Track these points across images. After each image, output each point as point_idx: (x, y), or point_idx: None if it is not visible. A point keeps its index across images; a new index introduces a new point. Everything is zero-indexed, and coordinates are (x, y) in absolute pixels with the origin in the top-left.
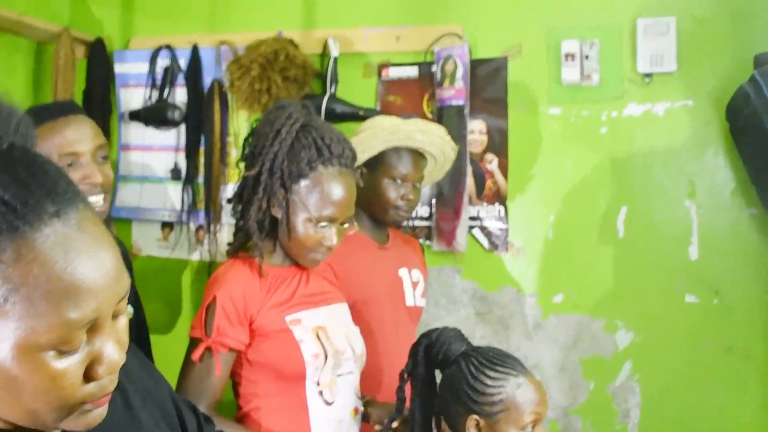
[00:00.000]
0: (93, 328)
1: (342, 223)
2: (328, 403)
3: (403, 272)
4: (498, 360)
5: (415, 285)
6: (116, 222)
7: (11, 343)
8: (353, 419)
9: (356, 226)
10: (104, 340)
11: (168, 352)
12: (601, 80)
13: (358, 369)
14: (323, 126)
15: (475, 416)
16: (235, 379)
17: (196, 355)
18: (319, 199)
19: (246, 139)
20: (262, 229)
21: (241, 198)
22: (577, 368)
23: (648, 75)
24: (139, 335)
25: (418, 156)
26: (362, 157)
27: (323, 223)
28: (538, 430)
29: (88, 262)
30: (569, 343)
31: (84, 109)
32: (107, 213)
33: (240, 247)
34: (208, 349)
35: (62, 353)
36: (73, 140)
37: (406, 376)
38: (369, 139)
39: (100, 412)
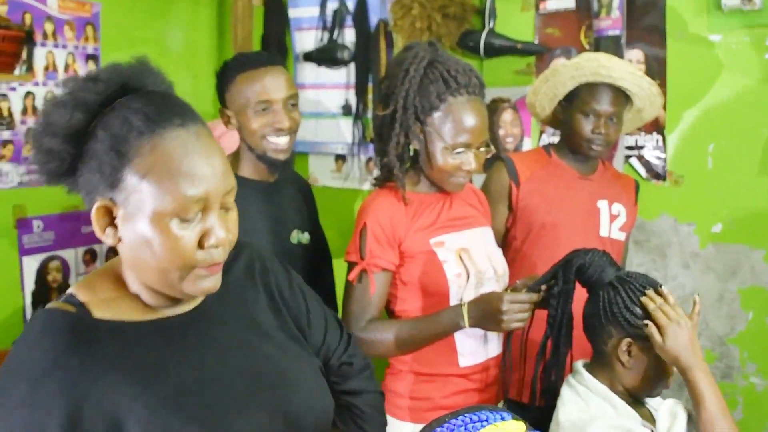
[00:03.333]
0: (205, 208)
1: (478, 147)
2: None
3: (602, 203)
4: (655, 287)
5: (613, 218)
6: (295, 155)
7: (149, 211)
8: (497, 335)
9: (492, 149)
10: (213, 220)
11: (344, 274)
12: (764, 3)
13: (500, 288)
14: (449, 59)
15: (629, 339)
16: (388, 298)
17: (352, 276)
18: (453, 127)
19: (380, 82)
20: (403, 162)
21: (381, 136)
22: (735, 298)
23: None
24: (320, 259)
25: (613, 91)
26: (559, 92)
27: (459, 150)
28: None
29: (201, 158)
30: (728, 272)
31: (279, 57)
32: (291, 152)
33: (385, 179)
34: (364, 270)
35: (183, 221)
36: (269, 89)
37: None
38: (559, 75)
39: (213, 281)
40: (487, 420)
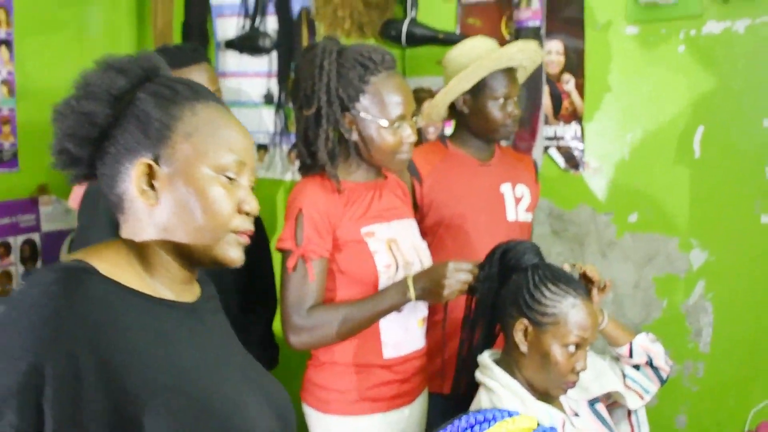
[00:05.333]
0: (240, 173)
1: (410, 118)
2: (398, 310)
3: (505, 187)
4: (564, 279)
5: (518, 200)
6: None
7: (197, 167)
8: (420, 327)
9: (421, 120)
10: (247, 190)
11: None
12: None
13: None
14: (355, 46)
15: (525, 321)
16: None
17: (290, 264)
18: (385, 104)
19: (292, 88)
20: (334, 158)
21: (307, 137)
22: (650, 286)
23: None
24: (257, 250)
25: (512, 71)
26: (466, 85)
27: (396, 124)
28: (579, 354)
29: (239, 128)
30: (643, 261)
31: (203, 51)
32: None
33: (312, 170)
34: (301, 257)
35: (226, 180)
36: None
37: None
38: (475, 70)
39: (239, 252)
40: (494, 418)
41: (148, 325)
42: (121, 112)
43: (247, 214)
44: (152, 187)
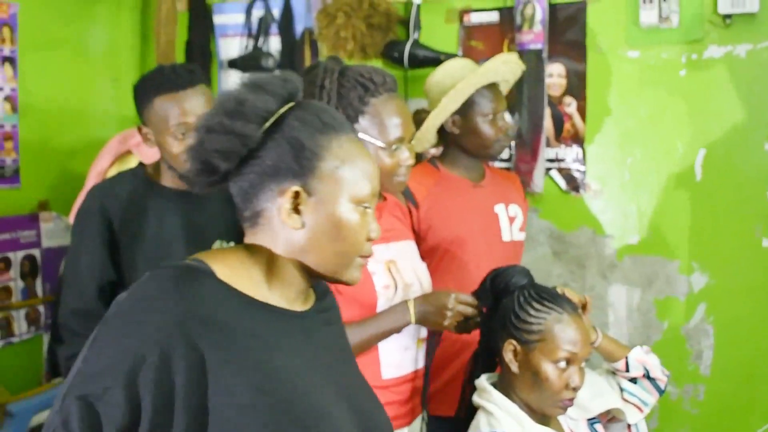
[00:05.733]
0: (372, 202)
1: (409, 141)
2: (397, 332)
3: (499, 208)
4: (548, 297)
5: (512, 220)
6: None
7: (347, 196)
8: (419, 348)
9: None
10: (374, 217)
11: None
12: (680, 22)
13: None
14: (356, 66)
15: (513, 341)
16: None
17: None
18: (383, 126)
19: None
20: None
21: None
22: (651, 308)
23: (729, 16)
24: None
25: (496, 86)
26: (454, 105)
27: (394, 146)
28: (571, 371)
29: (369, 156)
30: (644, 283)
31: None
32: None
33: None
34: None
35: (365, 209)
36: (188, 112)
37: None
38: (463, 88)
39: (360, 273)
40: None
41: (250, 328)
42: (269, 134)
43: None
44: (297, 211)
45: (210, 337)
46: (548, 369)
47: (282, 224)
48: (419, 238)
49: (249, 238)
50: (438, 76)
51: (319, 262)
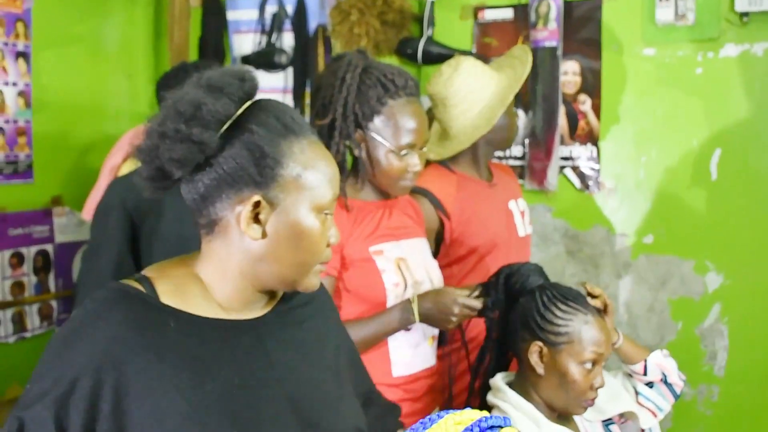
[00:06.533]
0: (332, 208)
1: (421, 148)
2: (407, 329)
3: (512, 205)
4: (571, 297)
5: (522, 214)
6: None
7: (308, 204)
8: (430, 346)
9: (432, 153)
10: (332, 221)
11: None
12: (696, 20)
13: None
14: (382, 65)
15: (540, 343)
16: None
17: None
18: (396, 129)
19: (313, 94)
20: (343, 172)
21: None
22: (665, 308)
23: (746, 14)
24: None
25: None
26: (499, 112)
27: (404, 152)
28: (596, 370)
29: (331, 159)
30: (658, 283)
31: (213, 64)
32: None
33: None
34: None
35: (325, 217)
36: None
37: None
38: (506, 96)
39: (318, 280)
40: (439, 416)
41: (183, 350)
42: (227, 139)
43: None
44: (257, 221)
45: (137, 363)
46: (575, 370)
47: (240, 233)
48: (446, 248)
49: (204, 246)
50: (464, 88)
51: (278, 272)
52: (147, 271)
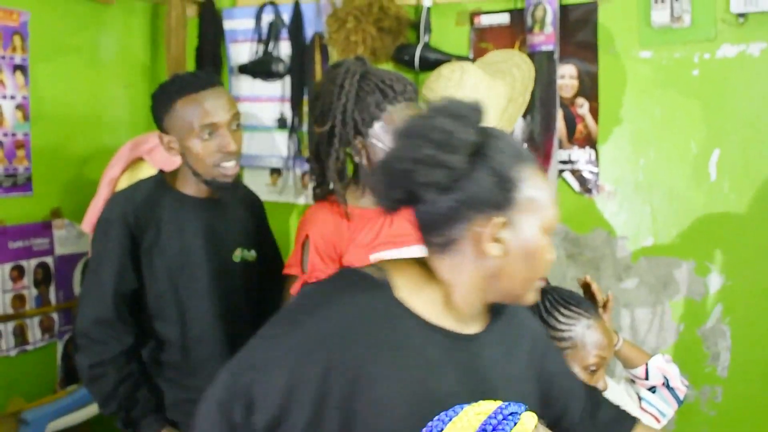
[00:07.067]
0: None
1: None
2: None
3: None
4: (573, 301)
5: None
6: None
7: (539, 224)
8: None
9: None
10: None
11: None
12: (692, 21)
13: None
14: (380, 71)
15: None
16: None
17: (294, 289)
18: None
19: (312, 101)
20: (343, 178)
21: (319, 154)
22: (667, 310)
23: (742, 15)
24: (269, 276)
25: None
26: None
27: None
28: (599, 374)
29: (549, 185)
30: (659, 285)
31: (216, 75)
32: (237, 174)
33: (326, 193)
34: (305, 283)
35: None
36: (212, 112)
37: None
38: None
39: (536, 295)
40: (455, 411)
41: (415, 347)
42: (472, 164)
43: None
44: (496, 240)
45: (372, 351)
46: (580, 375)
47: (475, 252)
48: None
49: (434, 262)
50: (470, 87)
51: (508, 288)
52: (384, 264)
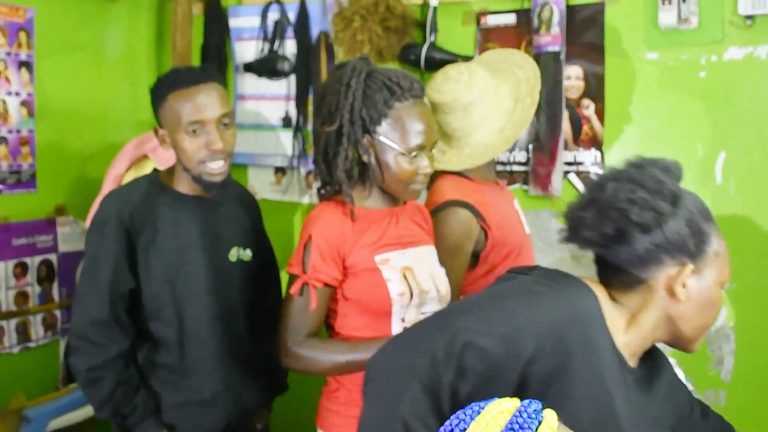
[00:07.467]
0: None
1: (430, 149)
2: None
3: (516, 203)
4: None
5: (519, 213)
6: (233, 167)
7: (720, 278)
8: None
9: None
10: None
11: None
12: (700, 23)
13: (442, 307)
14: (385, 69)
15: None
16: (328, 313)
17: (294, 289)
18: (405, 132)
19: (318, 101)
20: (351, 178)
21: (327, 154)
22: None
23: (750, 17)
24: (265, 275)
25: None
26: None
27: (414, 153)
28: None
29: None
30: None
31: (216, 72)
32: (227, 174)
33: (332, 194)
34: (305, 284)
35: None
36: (200, 109)
37: None
38: (536, 99)
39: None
40: (474, 409)
41: (604, 364)
42: (674, 213)
43: None
44: (683, 286)
45: (579, 350)
46: None
47: (663, 294)
48: (489, 253)
49: (619, 296)
50: (481, 88)
51: (685, 332)
52: (588, 281)
